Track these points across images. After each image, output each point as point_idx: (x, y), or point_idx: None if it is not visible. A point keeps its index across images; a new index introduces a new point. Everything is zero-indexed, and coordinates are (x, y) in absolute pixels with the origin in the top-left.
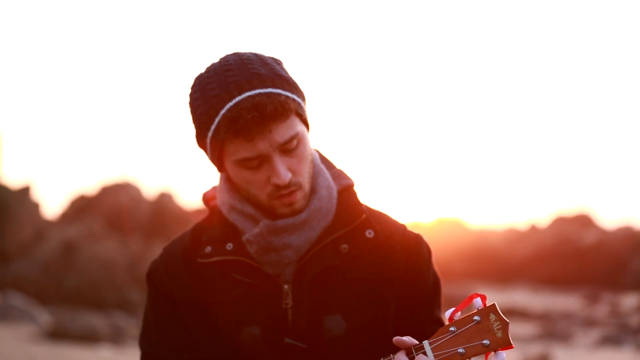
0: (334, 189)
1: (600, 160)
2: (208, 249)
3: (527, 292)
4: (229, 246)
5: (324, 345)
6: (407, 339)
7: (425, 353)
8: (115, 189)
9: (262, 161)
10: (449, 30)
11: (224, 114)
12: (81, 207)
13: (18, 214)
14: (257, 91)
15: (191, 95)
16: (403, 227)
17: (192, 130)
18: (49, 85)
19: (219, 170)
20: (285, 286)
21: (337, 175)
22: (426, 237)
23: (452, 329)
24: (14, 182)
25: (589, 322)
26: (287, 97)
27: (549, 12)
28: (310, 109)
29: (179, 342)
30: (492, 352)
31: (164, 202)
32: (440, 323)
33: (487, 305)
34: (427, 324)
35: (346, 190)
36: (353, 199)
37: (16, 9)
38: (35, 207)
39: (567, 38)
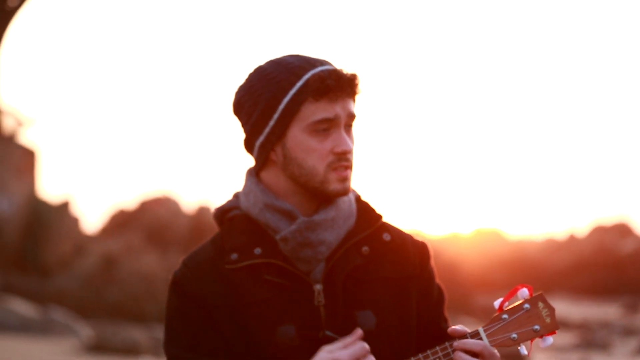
0: (352, 196)
1: (639, 168)
2: (234, 255)
3: (566, 302)
4: (257, 250)
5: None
6: (460, 327)
7: (480, 339)
8: (155, 203)
9: (331, 126)
10: (479, 35)
11: (311, 76)
12: (121, 222)
13: (58, 229)
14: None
15: (256, 76)
16: (410, 235)
17: (243, 124)
18: (87, 100)
19: (271, 150)
20: (317, 286)
21: None
22: (465, 248)
23: (504, 316)
24: (53, 197)
25: (628, 331)
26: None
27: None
28: None
29: (211, 345)
30: (540, 337)
31: (202, 216)
32: (447, 320)
33: (535, 295)
34: (440, 320)
35: (359, 199)
36: (369, 206)
37: (53, 27)
38: (74, 222)
39: (607, 40)
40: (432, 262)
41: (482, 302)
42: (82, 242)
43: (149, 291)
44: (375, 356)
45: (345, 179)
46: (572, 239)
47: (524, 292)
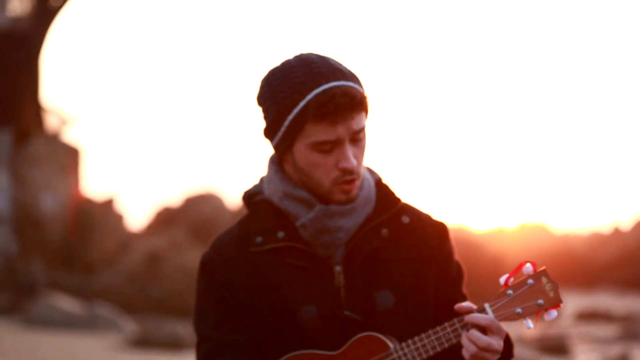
0: (371, 181)
1: None
2: (259, 239)
3: (611, 295)
4: (281, 234)
5: (376, 317)
6: (467, 304)
7: (486, 315)
8: (199, 200)
9: (335, 146)
10: (520, 27)
11: (313, 97)
12: (166, 219)
13: (102, 226)
14: (343, 82)
15: (268, 83)
16: (429, 216)
17: (263, 117)
18: (131, 98)
19: (281, 157)
20: (337, 267)
21: (369, 170)
22: (510, 243)
23: (509, 292)
24: (98, 195)
25: None
26: (364, 93)
27: None
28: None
29: (237, 324)
30: (545, 311)
31: (246, 211)
32: (466, 298)
33: (539, 270)
34: (458, 298)
35: (379, 183)
36: (388, 189)
37: (96, 26)
38: (119, 219)
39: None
40: (451, 241)
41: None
42: (127, 239)
43: (193, 286)
44: (394, 335)
45: (349, 191)
46: (616, 233)
47: (528, 267)
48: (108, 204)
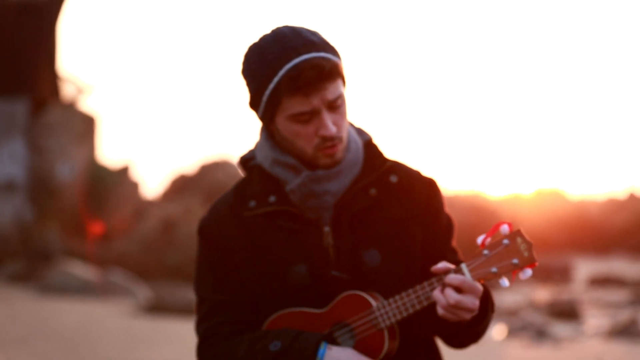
0: (359, 143)
1: None
2: (252, 203)
3: (626, 261)
4: (272, 198)
5: (363, 276)
6: (443, 264)
7: (463, 274)
8: (214, 167)
9: (312, 115)
10: None
11: (285, 73)
12: (181, 186)
13: (118, 193)
14: (313, 54)
15: (247, 60)
16: (418, 171)
17: (246, 92)
18: (146, 67)
19: (267, 127)
20: (326, 228)
21: (358, 131)
22: (526, 208)
23: (485, 252)
24: (113, 163)
25: None
26: (336, 61)
27: None
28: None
29: (232, 285)
30: (520, 270)
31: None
32: (456, 251)
33: (514, 230)
34: (447, 253)
35: (369, 143)
36: (376, 150)
37: (110, 2)
38: (134, 186)
39: None
40: (440, 196)
41: (541, 263)
42: (142, 206)
43: None
44: (382, 293)
45: (333, 154)
46: (632, 198)
47: (505, 228)
48: (123, 172)
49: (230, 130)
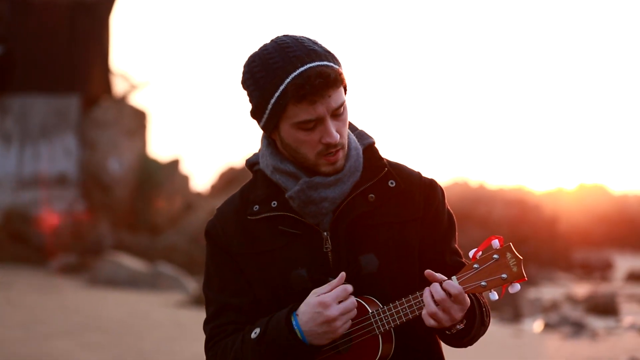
0: (360, 149)
1: None
2: (256, 207)
3: None
4: (274, 204)
5: (361, 280)
6: (438, 275)
7: None
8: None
9: (317, 123)
10: None
11: (291, 81)
12: (230, 179)
13: (168, 187)
14: (318, 63)
15: (250, 70)
16: (419, 174)
17: (248, 101)
18: (195, 63)
19: (270, 135)
20: (325, 233)
21: (360, 135)
22: (568, 203)
23: (475, 266)
24: (164, 157)
25: None
26: (339, 69)
27: None
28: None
29: (237, 287)
30: (508, 284)
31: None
32: (457, 252)
33: (504, 245)
34: (446, 254)
35: (369, 148)
36: (376, 155)
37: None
38: (184, 180)
39: None
40: (440, 197)
41: (581, 258)
42: (192, 199)
43: None
44: (379, 297)
45: (334, 162)
46: None
47: (495, 243)
48: (173, 166)
49: None
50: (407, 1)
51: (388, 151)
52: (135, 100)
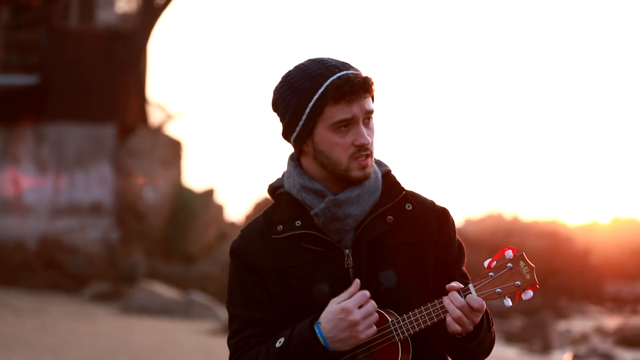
0: (379, 173)
1: None
2: (280, 227)
3: None
4: (298, 223)
5: (380, 295)
6: (455, 283)
7: (470, 293)
8: None
9: (351, 124)
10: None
11: (330, 83)
12: (264, 208)
13: (203, 216)
14: (352, 71)
15: (286, 83)
16: (433, 202)
17: (280, 120)
18: (230, 93)
19: (302, 147)
20: (347, 250)
21: (378, 163)
22: (601, 236)
23: (490, 274)
24: (198, 187)
25: None
26: (372, 79)
27: None
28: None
29: (260, 302)
30: (522, 291)
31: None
32: (466, 275)
33: (517, 255)
34: (457, 276)
35: (387, 175)
36: (394, 180)
37: (199, 23)
38: (219, 209)
39: None
40: (451, 224)
41: (613, 291)
42: (226, 229)
43: None
44: (396, 310)
45: (365, 167)
46: None
47: (509, 253)
48: (208, 195)
49: None
50: (436, 22)
51: (421, 183)
52: (171, 130)
